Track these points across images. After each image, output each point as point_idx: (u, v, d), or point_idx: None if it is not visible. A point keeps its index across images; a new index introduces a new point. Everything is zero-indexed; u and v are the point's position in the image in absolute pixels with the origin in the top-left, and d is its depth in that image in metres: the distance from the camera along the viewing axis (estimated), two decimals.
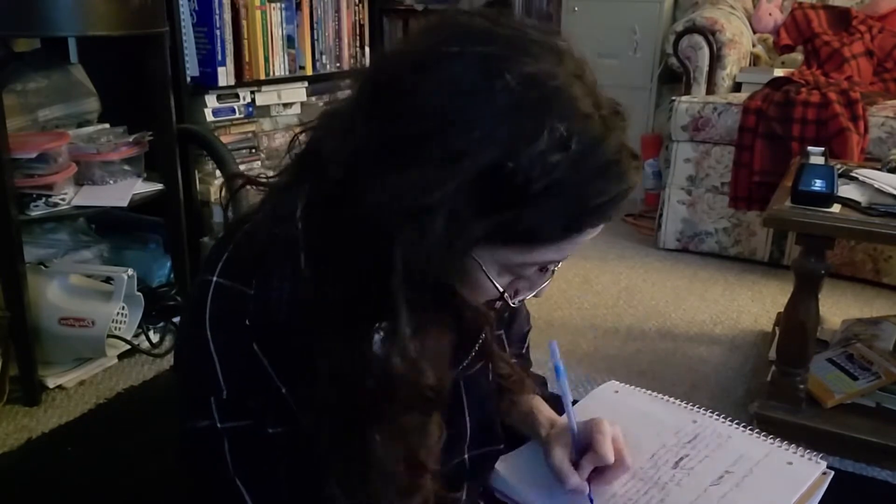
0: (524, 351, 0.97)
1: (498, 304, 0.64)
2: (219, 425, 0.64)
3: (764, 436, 0.87)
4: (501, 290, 0.61)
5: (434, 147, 0.53)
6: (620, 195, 0.57)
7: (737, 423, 0.88)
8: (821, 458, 0.83)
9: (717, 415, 0.89)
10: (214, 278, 0.63)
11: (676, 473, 0.79)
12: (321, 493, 0.63)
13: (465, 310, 0.63)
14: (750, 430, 0.87)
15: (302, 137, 0.66)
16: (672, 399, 0.93)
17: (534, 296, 0.67)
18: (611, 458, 0.76)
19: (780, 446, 0.85)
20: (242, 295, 0.62)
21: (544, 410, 0.87)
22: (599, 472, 0.77)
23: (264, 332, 0.62)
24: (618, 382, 0.98)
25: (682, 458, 0.81)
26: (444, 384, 0.65)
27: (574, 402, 0.84)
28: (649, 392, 0.95)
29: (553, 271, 0.65)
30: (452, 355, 0.74)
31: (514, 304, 0.65)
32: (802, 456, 0.83)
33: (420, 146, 0.54)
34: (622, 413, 0.87)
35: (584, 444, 0.78)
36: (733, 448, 0.84)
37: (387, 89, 0.57)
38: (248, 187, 0.70)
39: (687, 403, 0.91)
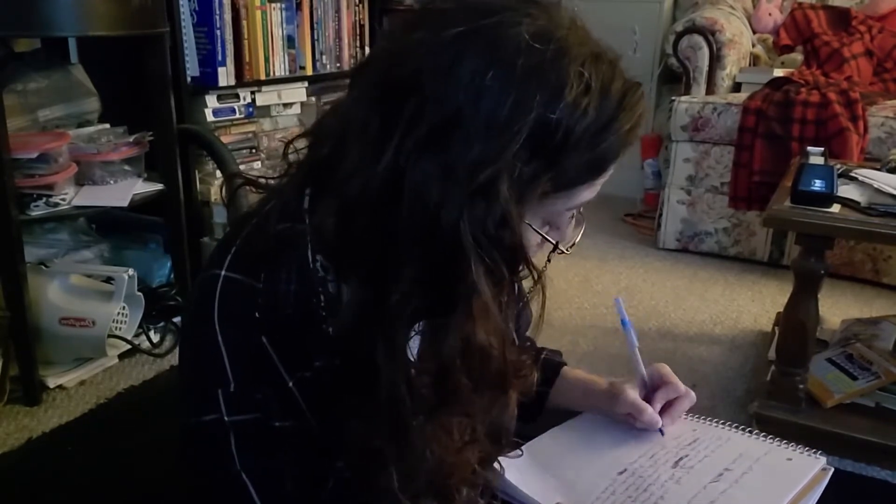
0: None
1: (551, 256, 0.67)
2: (226, 418, 0.64)
3: (763, 436, 0.87)
4: (555, 241, 0.64)
5: (472, 123, 0.55)
6: (637, 121, 0.60)
7: (736, 427, 0.89)
8: (820, 454, 0.84)
9: (716, 421, 0.90)
10: (223, 272, 0.63)
11: (676, 472, 0.80)
12: (325, 487, 0.63)
13: (535, 273, 0.64)
14: (749, 431, 0.88)
15: (299, 142, 0.66)
16: None
17: (569, 249, 0.69)
18: (682, 387, 0.86)
19: (780, 445, 0.86)
20: (252, 289, 0.62)
21: (593, 376, 0.92)
22: (670, 407, 0.86)
23: (273, 325, 0.62)
24: None
25: (681, 458, 0.82)
26: (516, 357, 0.66)
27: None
28: None
29: (582, 217, 0.68)
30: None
31: (567, 251, 0.67)
32: (802, 452, 0.84)
33: (456, 127, 0.55)
34: (622, 423, 0.88)
35: (652, 385, 0.87)
36: (733, 448, 0.85)
37: (404, 86, 0.57)
38: (248, 188, 0.71)
39: (687, 414, 0.91)
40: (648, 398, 0.87)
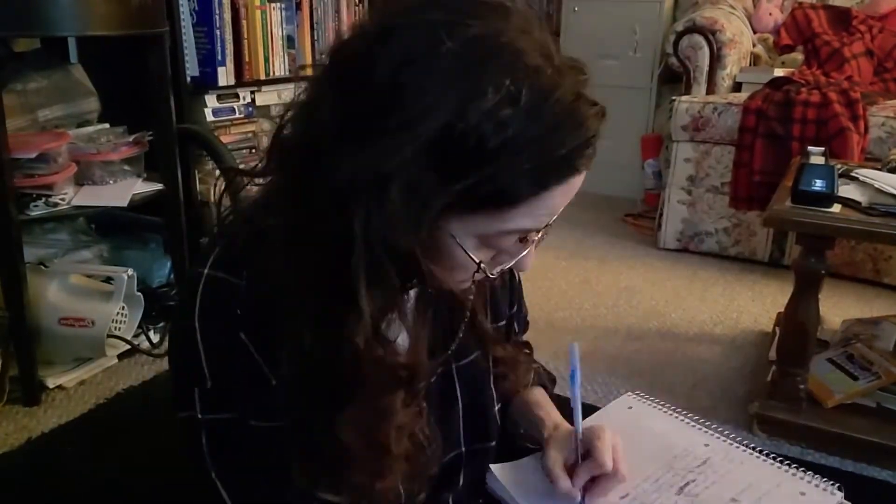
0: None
1: (476, 276, 0.64)
2: (199, 416, 0.64)
3: (779, 463, 0.82)
4: (478, 260, 0.61)
5: (390, 119, 0.53)
6: (582, 144, 0.56)
7: (752, 449, 0.83)
8: (837, 487, 0.77)
9: (731, 439, 0.85)
10: (206, 270, 0.63)
11: (680, 500, 0.76)
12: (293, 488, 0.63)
13: (436, 285, 0.62)
14: (765, 456, 0.82)
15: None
16: (688, 417, 0.89)
17: (517, 269, 0.66)
18: (609, 466, 0.74)
19: (795, 475, 0.80)
20: (233, 286, 0.62)
21: (553, 416, 0.85)
22: (595, 482, 0.75)
23: (254, 321, 0.62)
24: (633, 396, 0.93)
25: (687, 483, 0.78)
26: (420, 364, 0.65)
27: (586, 409, 0.80)
28: (665, 407, 0.91)
29: (535, 242, 0.64)
30: (440, 337, 0.74)
31: (492, 275, 0.64)
32: (818, 486, 0.78)
33: (377, 119, 0.54)
34: (632, 433, 0.84)
35: (585, 450, 0.76)
36: (743, 475, 0.79)
37: (344, 67, 0.57)
38: (247, 183, 0.70)
39: (703, 425, 0.87)
40: (576, 464, 0.77)
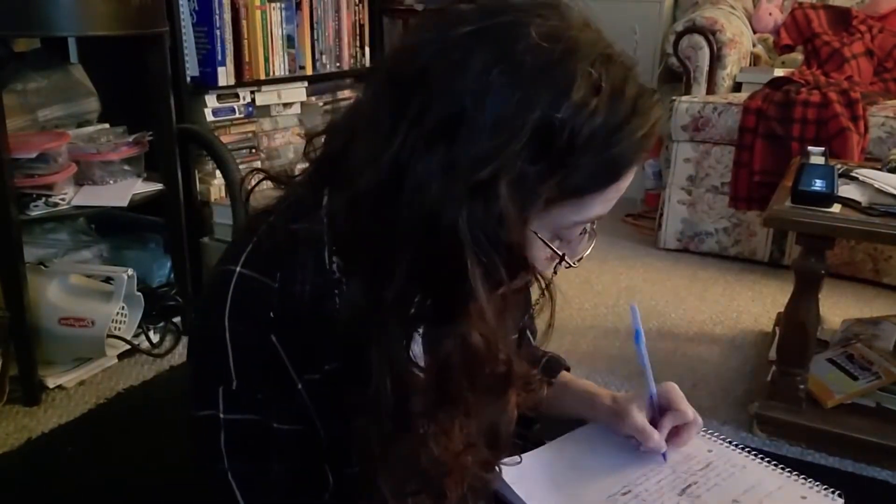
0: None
1: (556, 269, 0.65)
2: (221, 416, 0.64)
3: (781, 468, 0.83)
4: (561, 253, 0.62)
5: (476, 120, 0.54)
6: (651, 128, 0.58)
7: (754, 454, 0.85)
8: (838, 494, 0.79)
9: (734, 445, 0.86)
10: (238, 268, 0.63)
11: (682, 501, 0.77)
12: (320, 496, 0.63)
13: (537, 279, 0.63)
14: (767, 461, 0.84)
15: (317, 141, 0.66)
16: None
17: (577, 261, 0.68)
18: (691, 415, 0.82)
19: (797, 480, 0.81)
20: (266, 287, 0.62)
21: (600, 389, 0.90)
22: (675, 433, 0.83)
23: (286, 325, 0.62)
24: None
25: (689, 486, 0.79)
26: (515, 360, 0.65)
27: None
28: None
29: (594, 232, 0.66)
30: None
31: (575, 264, 0.66)
32: (819, 491, 0.79)
33: (461, 123, 0.55)
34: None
35: (661, 406, 0.83)
36: (745, 478, 0.80)
37: (413, 82, 0.57)
38: (262, 184, 0.71)
39: (706, 432, 0.88)
40: (655, 420, 0.83)
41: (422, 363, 0.64)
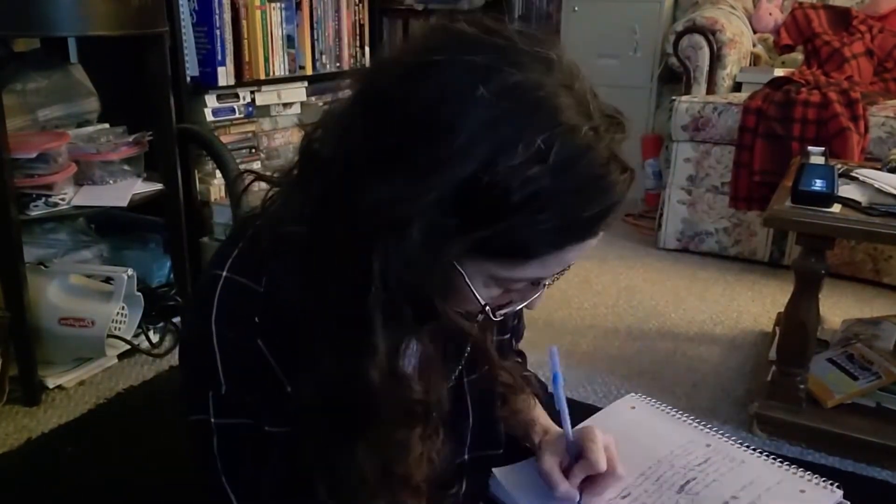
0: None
1: (480, 317, 0.63)
2: (212, 420, 0.64)
3: (780, 462, 0.82)
4: (483, 303, 0.60)
5: (418, 156, 0.53)
6: (606, 210, 0.55)
7: (752, 449, 0.84)
8: (836, 486, 0.78)
9: (734, 440, 0.86)
10: (224, 273, 0.63)
11: (681, 498, 0.76)
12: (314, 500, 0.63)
13: (450, 324, 0.61)
14: (766, 455, 0.83)
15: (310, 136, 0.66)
16: (690, 419, 0.90)
17: (526, 307, 0.66)
18: (602, 465, 0.75)
19: (796, 473, 0.80)
20: (252, 291, 0.62)
21: (542, 420, 0.86)
22: (591, 481, 0.76)
23: (272, 328, 0.62)
24: (636, 396, 0.94)
25: (688, 482, 0.78)
26: (434, 397, 0.64)
27: (587, 409, 0.82)
28: (667, 409, 0.92)
29: (545, 285, 0.64)
30: (451, 355, 0.74)
31: (496, 317, 0.63)
32: (817, 484, 0.78)
33: (405, 155, 0.53)
34: (635, 432, 0.85)
35: (577, 451, 0.77)
36: (744, 473, 0.80)
37: (378, 97, 0.57)
38: (256, 184, 0.70)
39: (704, 426, 0.87)
40: (571, 466, 0.78)
41: (410, 369, 0.64)
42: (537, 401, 0.90)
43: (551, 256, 0.57)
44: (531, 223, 0.53)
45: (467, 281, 0.58)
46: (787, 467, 0.81)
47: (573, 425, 0.79)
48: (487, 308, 0.61)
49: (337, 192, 0.57)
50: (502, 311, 0.64)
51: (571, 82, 0.56)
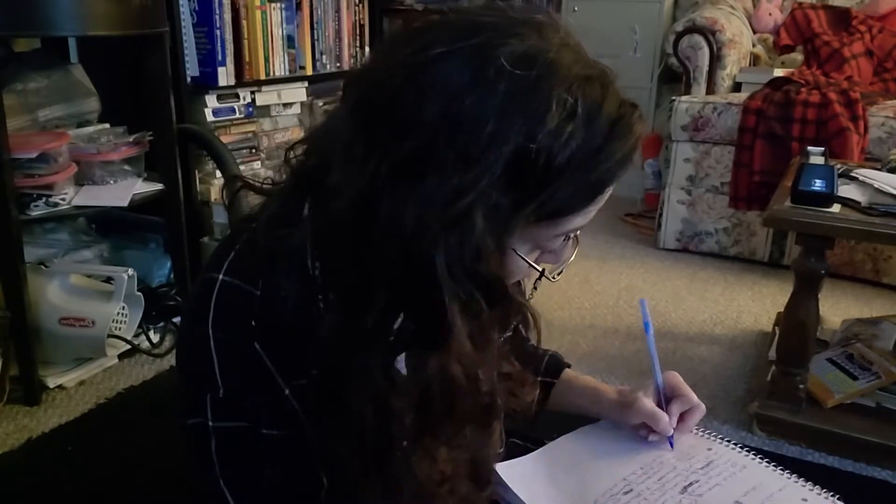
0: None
1: (537, 283, 0.65)
2: (210, 423, 0.64)
3: (781, 469, 0.83)
4: (541, 268, 0.62)
5: (448, 151, 0.53)
6: (632, 147, 0.58)
7: (753, 454, 0.85)
8: (837, 498, 0.79)
9: (734, 444, 0.86)
10: (220, 276, 0.62)
11: (684, 499, 0.77)
12: (316, 498, 0.63)
13: (513, 304, 0.63)
14: (767, 462, 0.84)
15: (299, 149, 0.65)
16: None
17: (560, 268, 0.67)
18: (696, 399, 0.85)
19: (797, 482, 0.81)
20: (248, 294, 0.61)
21: (603, 384, 0.92)
22: (682, 418, 0.86)
23: (269, 333, 0.61)
24: None
25: (691, 484, 0.79)
26: (496, 388, 0.64)
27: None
28: None
29: (577, 238, 0.66)
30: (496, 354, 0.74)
31: (554, 279, 0.65)
32: (819, 494, 0.79)
33: (433, 155, 0.53)
34: (636, 437, 0.86)
35: (666, 394, 0.86)
36: (747, 478, 0.80)
37: (385, 107, 0.56)
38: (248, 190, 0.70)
39: (705, 431, 0.89)
40: (661, 407, 0.85)
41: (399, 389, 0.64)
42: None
43: (593, 204, 0.59)
44: (575, 179, 0.55)
45: (519, 253, 0.59)
46: (789, 475, 0.82)
47: (569, 426, 0.83)
48: (545, 272, 0.63)
49: (359, 213, 0.56)
50: (557, 272, 0.66)
51: (567, 39, 0.58)
